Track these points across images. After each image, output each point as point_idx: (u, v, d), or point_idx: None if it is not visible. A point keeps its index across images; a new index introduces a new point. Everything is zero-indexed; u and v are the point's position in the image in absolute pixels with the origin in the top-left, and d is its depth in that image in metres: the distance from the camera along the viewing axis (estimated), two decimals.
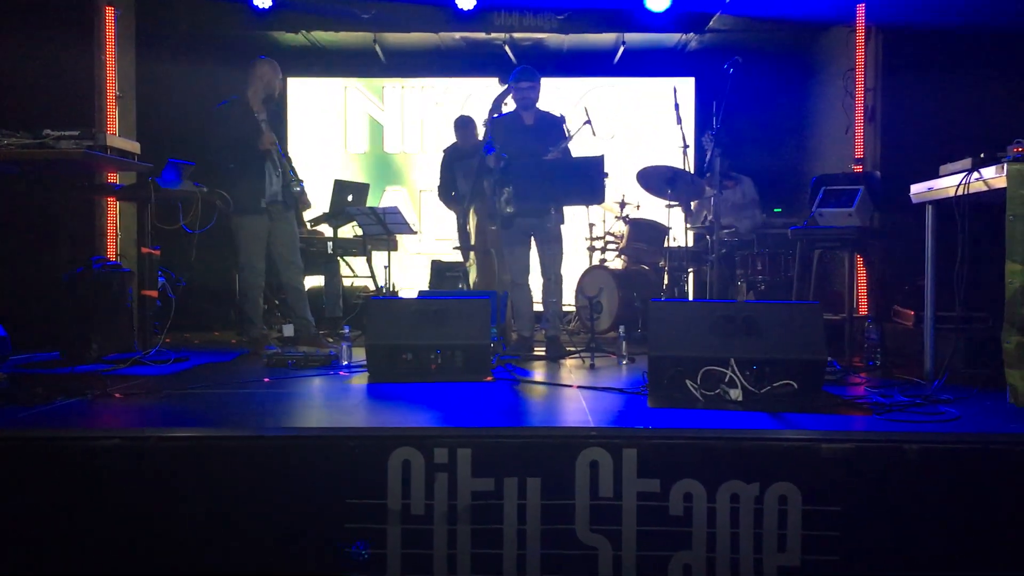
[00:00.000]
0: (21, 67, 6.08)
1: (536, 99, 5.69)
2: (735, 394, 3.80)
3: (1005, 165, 3.75)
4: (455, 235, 7.36)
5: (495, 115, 5.73)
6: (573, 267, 8.41)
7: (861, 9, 6.69)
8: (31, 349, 5.33)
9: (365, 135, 9.40)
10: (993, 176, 3.87)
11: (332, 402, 4.05)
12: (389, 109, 9.36)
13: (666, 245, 7.13)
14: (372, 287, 7.38)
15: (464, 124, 7.45)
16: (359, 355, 5.07)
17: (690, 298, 7.24)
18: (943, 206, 4.35)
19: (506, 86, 5.81)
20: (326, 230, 7.46)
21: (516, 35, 8.02)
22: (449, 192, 7.56)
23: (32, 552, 3.04)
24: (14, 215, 5.73)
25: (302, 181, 5.92)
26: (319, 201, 7.63)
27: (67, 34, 6.20)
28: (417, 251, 9.10)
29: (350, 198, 7.30)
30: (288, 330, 6.07)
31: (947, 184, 4.20)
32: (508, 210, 5.56)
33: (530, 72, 5.68)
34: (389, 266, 7.42)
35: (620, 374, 4.85)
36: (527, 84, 5.64)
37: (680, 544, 3.02)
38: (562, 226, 5.74)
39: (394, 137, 9.41)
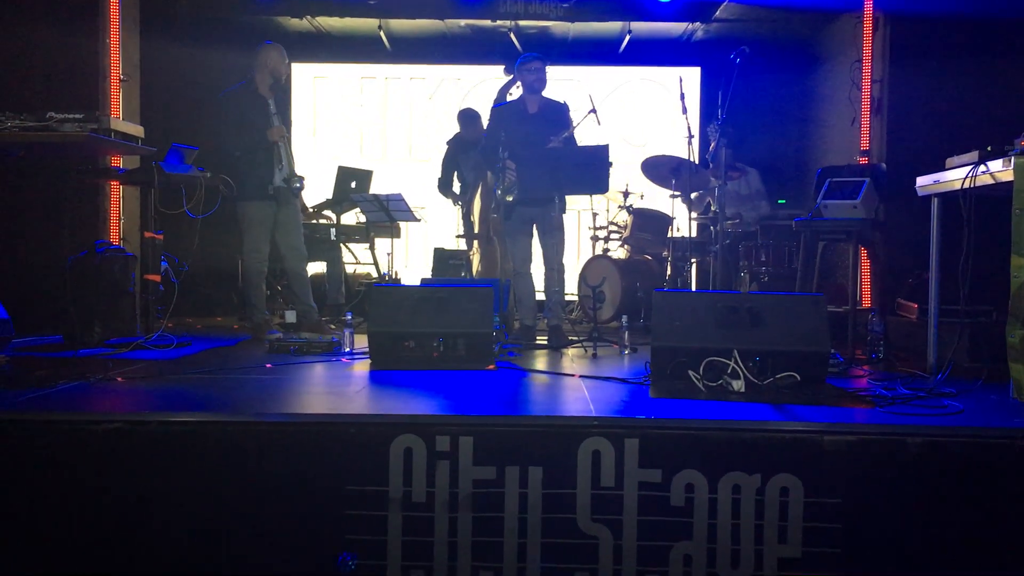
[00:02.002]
0: (25, 50, 6.07)
1: (542, 84, 5.67)
2: (738, 385, 3.79)
3: (1012, 159, 3.73)
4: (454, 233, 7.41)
5: (498, 104, 5.71)
6: (576, 256, 8.41)
7: None
8: (34, 332, 5.33)
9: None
10: (1000, 169, 3.85)
11: (334, 389, 4.05)
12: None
13: (670, 235, 7.11)
14: (375, 274, 7.38)
15: (469, 117, 7.43)
16: (361, 342, 5.07)
17: (693, 289, 7.23)
18: (949, 199, 4.33)
19: (511, 76, 5.80)
20: (329, 216, 7.45)
21: (522, 22, 7.98)
22: (449, 186, 7.53)
23: (32, 535, 3.05)
24: (17, 198, 5.73)
25: (302, 178, 5.90)
26: (320, 188, 7.62)
27: (71, 17, 6.18)
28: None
29: (353, 184, 7.29)
30: (290, 316, 6.07)
31: (953, 177, 4.18)
32: (507, 199, 5.55)
33: (536, 55, 5.67)
34: (392, 253, 7.42)
35: (622, 364, 4.85)
36: (534, 66, 5.62)
37: (681, 534, 3.02)
38: (563, 215, 5.73)
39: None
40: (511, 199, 5.54)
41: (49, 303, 5.24)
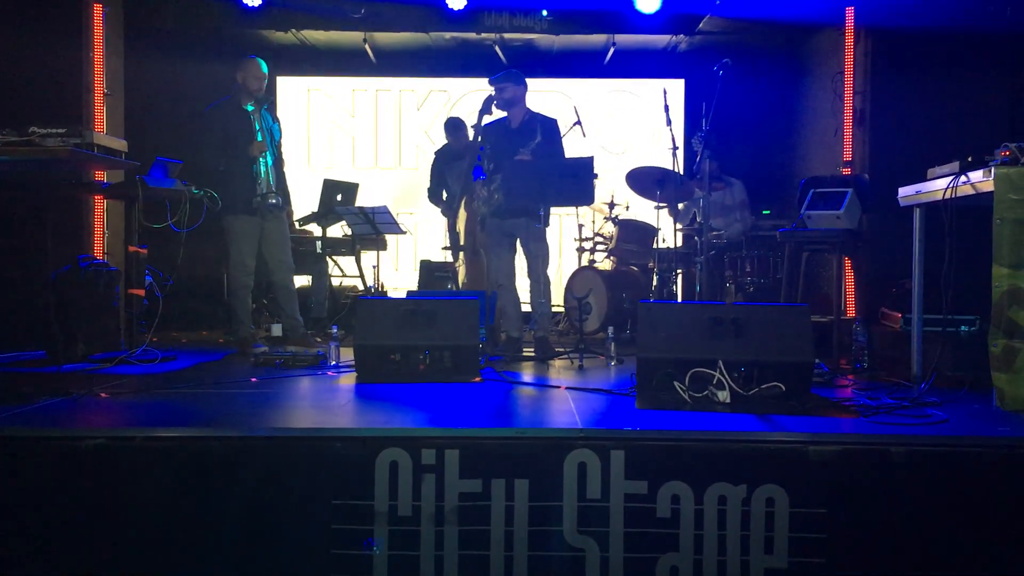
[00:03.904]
0: (8, 64, 6.03)
1: (514, 98, 5.65)
2: (723, 396, 3.81)
3: (992, 169, 3.77)
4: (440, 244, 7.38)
5: (484, 119, 5.71)
6: (562, 268, 8.42)
7: (850, 12, 6.71)
8: (16, 348, 5.30)
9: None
10: (980, 180, 3.88)
11: (320, 402, 4.04)
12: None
13: (655, 246, 7.13)
14: (361, 287, 7.37)
15: (455, 126, 7.46)
16: (347, 355, 5.06)
17: (679, 300, 7.25)
18: (931, 209, 4.37)
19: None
20: (315, 229, 7.44)
21: (506, 35, 8.02)
22: (439, 195, 7.55)
23: (15, 552, 3.02)
24: (0, 213, 5.69)
25: (278, 195, 5.85)
26: (307, 201, 7.61)
27: (54, 31, 6.16)
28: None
29: (339, 197, 7.28)
30: (276, 329, 6.06)
31: (935, 187, 4.21)
32: (483, 209, 5.57)
33: (508, 73, 5.68)
34: (378, 266, 7.41)
35: (608, 375, 4.85)
36: (501, 84, 5.64)
37: (667, 546, 3.02)
38: (547, 228, 5.73)
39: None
40: (488, 209, 5.56)
41: (32, 318, 5.20)
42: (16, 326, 5.33)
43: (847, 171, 6.66)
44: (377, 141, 8.95)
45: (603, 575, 3.01)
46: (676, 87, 8.71)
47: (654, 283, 7.03)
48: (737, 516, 3.01)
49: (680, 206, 6.89)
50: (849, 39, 6.73)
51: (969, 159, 4.00)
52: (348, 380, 4.61)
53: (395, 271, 8.78)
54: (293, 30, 7.93)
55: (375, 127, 8.96)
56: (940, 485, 3.03)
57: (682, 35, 8.03)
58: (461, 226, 7.24)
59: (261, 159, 5.73)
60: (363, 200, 7.46)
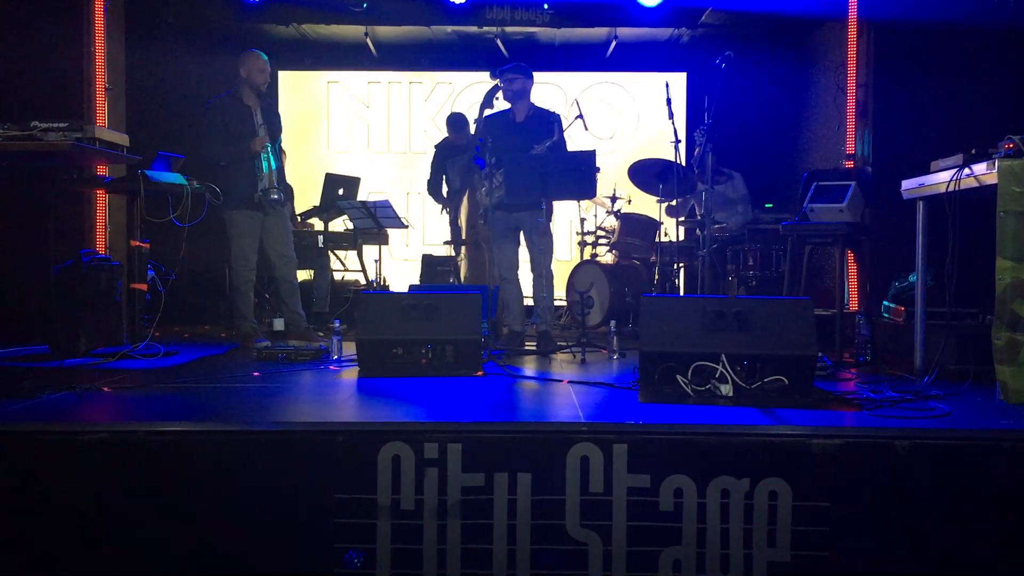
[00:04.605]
0: (9, 58, 6.03)
1: (522, 91, 5.66)
2: (725, 389, 3.80)
3: (996, 161, 3.76)
4: (443, 237, 7.36)
5: (487, 112, 5.70)
6: (564, 262, 8.42)
7: (853, 4, 6.69)
8: (19, 342, 5.30)
9: (348, 134, 9.23)
10: (984, 172, 3.87)
11: (322, 396, 4.03)
12: (374, 107, 9.24)
13: (657, 240, 7.13)
14: (363, 281, 7.37)
15: (457, 121, 7.46)
16: (349, 349, 5.06)
17: (681, 293, 7.24)
18: (934, 202, 4.36)
19: (496, 81, 5.81)
20: (317, 223, 7.44)
21: (508, 29, 8.01)
22: (438, 188, 7.55)
23: (17, 547, 3.02)
24: (1, 208, 5.69)
25: (280, 190, 5.84)
26: (309, 195, 7.62)
27: (56, 25, 6.16)
28: (404, 257, 8.98)
29: (341, 192, 7.28)
30: (278, 324, 6.05)
31: (938, 180, 4.20)
32: (486, 202, 5.57)
33: (517, 65, 5.68)
34: (380, 260, 7.41)
35: (611, 369, 4.85)
36: (511, 75, 5.64)
37: (670, 540, 3.02)
38: (550, 222, 5.73)
39: (379, 137, 9.26)
40: (491, 202, 5.56)
41: (35, 313, 5.21)
42: (18, 320, 5.33)
43: (850, 164, 6.65)
44: (389, 128, 9.28)
45: (606, 569, 3.01)
46: (678, 80, 8.69)
47: (656, 277, 7.03)
48: (740, 509, 3.01)
49: (676, 201, 6.88)
50: (852, 32, 6.71)
51: (973, 152, 3.99)
52: (350, 374, 4.61)
53: (405, 247, 8.99)
54: (294, 24, 7.92)
55: (387, 115, 9.28)
56: (943, 478, 3.02)
57: (684, 28, 8.03)
58: (463, 220, 7.24)
59: (263, 154, 5.73)
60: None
